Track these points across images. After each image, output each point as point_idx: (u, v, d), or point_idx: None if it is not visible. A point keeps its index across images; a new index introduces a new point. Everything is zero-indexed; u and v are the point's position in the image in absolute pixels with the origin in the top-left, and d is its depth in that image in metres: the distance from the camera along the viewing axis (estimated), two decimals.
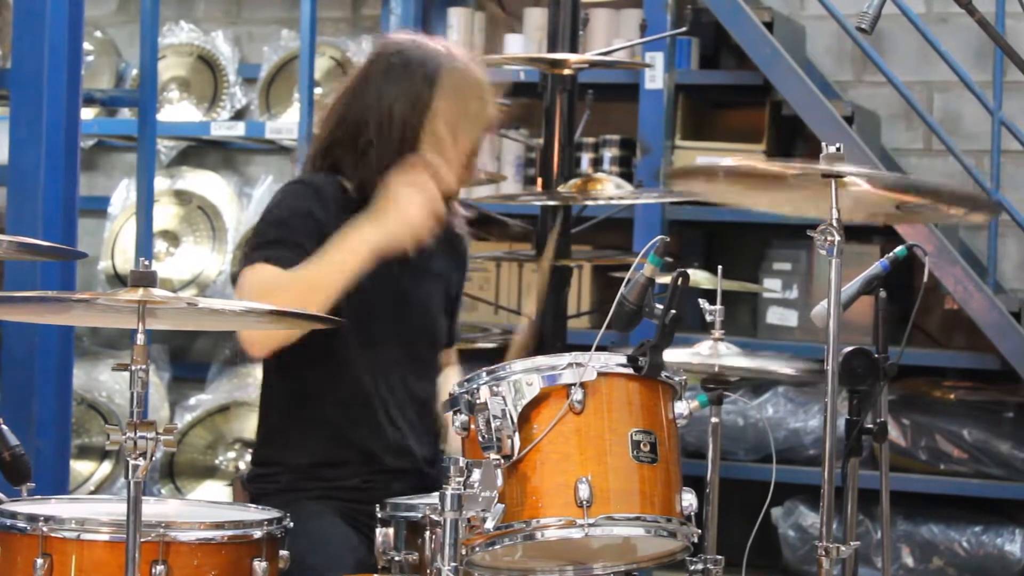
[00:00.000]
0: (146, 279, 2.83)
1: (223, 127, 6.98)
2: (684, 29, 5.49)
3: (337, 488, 3.54)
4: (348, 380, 3.55)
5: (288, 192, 3.62)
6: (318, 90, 6.70)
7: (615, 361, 3.01)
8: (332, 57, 7.04)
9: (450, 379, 3.70)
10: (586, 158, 6.51)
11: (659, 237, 3.10)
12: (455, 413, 3.02)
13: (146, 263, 2.85)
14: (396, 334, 3.59)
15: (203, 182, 7.22)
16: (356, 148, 3.57)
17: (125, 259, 7.06)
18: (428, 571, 3.09)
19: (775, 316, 6.21)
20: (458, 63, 3.60)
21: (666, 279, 3.13)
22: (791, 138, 6.47)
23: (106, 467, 6.86)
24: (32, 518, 2.96)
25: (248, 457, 6.60)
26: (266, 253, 3.45)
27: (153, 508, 3.19)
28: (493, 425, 2.95)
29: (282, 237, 3.47)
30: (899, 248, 3.55)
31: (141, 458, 2.78)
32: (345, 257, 3.39)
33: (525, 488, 2.94)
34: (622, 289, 3.09)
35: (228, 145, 7.32)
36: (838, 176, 3.11)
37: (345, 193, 3.57)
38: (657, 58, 6.01)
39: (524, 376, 2.98)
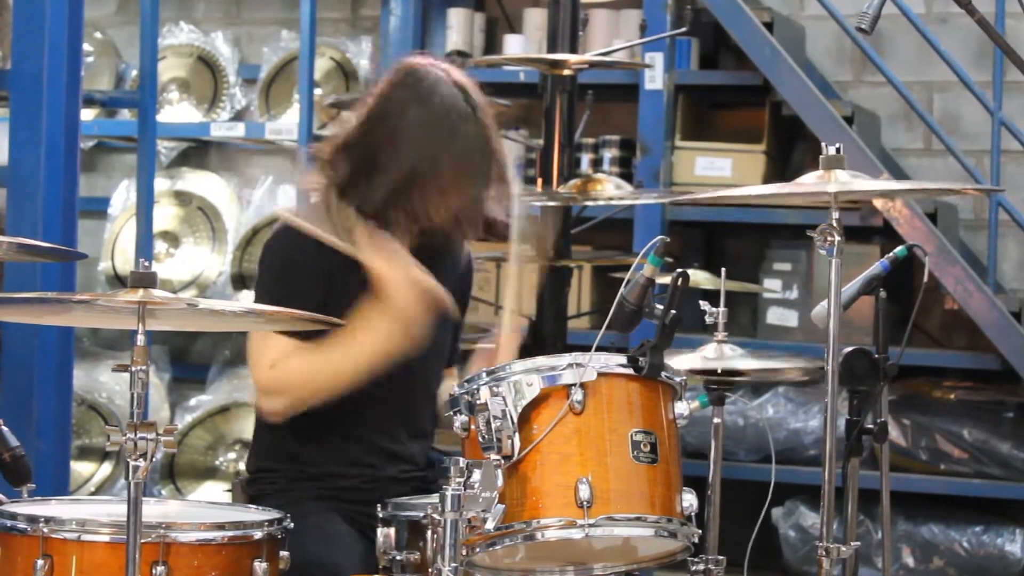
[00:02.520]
0: (146, 280, 2.82)
1: (223, 128, 6.98)
2: (684, 29, 5.49)
3: (336, 489, 3.54)
4: (342, 401, 3.55)
5: (282, 242, 3.55)
6: (318, 91, 6.70)
7: (615, 361, 3.02)
8: (332, 58, 7.04)
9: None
10: (586, 158, 6.51)
11: (659, 237, 3.10)
12: (455, 413, 3.02)
13: (146, 264, 2.85)
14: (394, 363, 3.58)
15: (203, 183, 7.22)
16: (365, 172, 3.54)
17: (125, 260, 7.06)
18: (429, 571, 3.09)
19: (775, 316, 6.21)
20: (476, 119, 3.55)
21: (666, 279, 3.14)
22: (791, 138, 6.47)
23: (106, 468, 6.85)
24: (32, 519, 2.96)
25: None
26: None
27: (153, 509, 3.18)
28: (493, 425, 2.96)
29: (285, 296, 3.41)
30: (899, 248, 3.55)
31: (141, 459, 2.78)
32: (355, 360, 3.43)
33: (525, 488, 2.95)
34: (622, 289, 3.09)
35: (228, 146, 7.32)
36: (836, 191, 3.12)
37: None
38: (657, 58, 6.01)
39: (524, 376, 2.98)
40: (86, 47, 6.41)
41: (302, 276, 3.48)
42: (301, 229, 3.51)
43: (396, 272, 3.42)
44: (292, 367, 3.43)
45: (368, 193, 3.51)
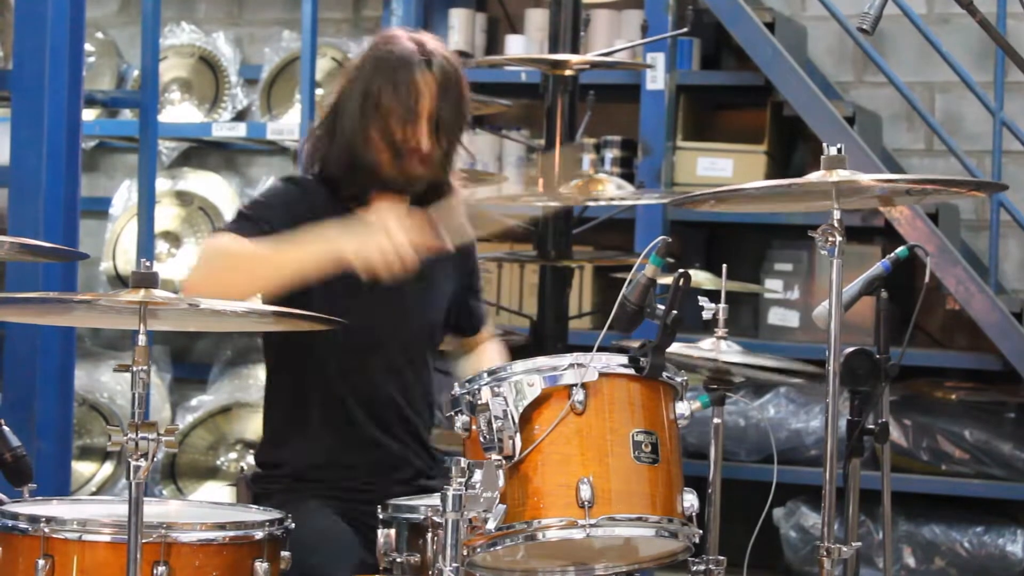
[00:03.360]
0: (147, 280, 2.83)
1: (224, 128, 6.98)
2: (685, 30, 5.49)
3: (337, 488, 3.54)
4: (331, 391, 3.55)
5: (275, 184, 3.67)
6: (319, 91, 6.70)
7: (616, 362, 3.02)
8: (333, 58, 7.05)
9: (487, 356, 3.72)
10: (587, 159, 6.51)
11: (660, 238, 3.10)
12: (456, 414, 3.03)
13: (147, 264, 2.86)
14: (375, 345, 3.57)
15: (204, 183, 7.22)
16: (329, 138, 3.60)
17: (126, 260, 7.06)
18: (430, 572, 3.09)
19: (776, 317, 6.21)
20: (395, 51, 3.55)
21: (667, 280, 3.14)
22: (792, 139, 6.47)
23: (108, 468, 6.86)
24: (34, 519, 2.96)
25: (250, 458, 6.61)
26: (232, 224, 3.50)
27: (154, 509, 3.19)
28: (495, 426, 2.96)
29: (253, 215, 3.50)
30: (900, 249, 3.55)
31: (143, 459, 2.78)
32: (300, 252, 3.36)
33: (527, 489, 2.95)
34: (624, 290, 3.09)
35: (229, 146, 7.33)
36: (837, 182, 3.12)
37: (333, 194, 3.58)
38: (658, 59, 6.01)
39: (525, 377, 2.98)
40: (87, 47, 6.42)
41: (282, 210, 3.50)
42: (305, 184, 3.58)
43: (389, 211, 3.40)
44: (224, 239, 3.44)
45: (332, 156, 3.55)
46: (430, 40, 3.60)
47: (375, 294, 3.50)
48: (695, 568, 3.42)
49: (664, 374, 3.05)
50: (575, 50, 5.13)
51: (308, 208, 3.52)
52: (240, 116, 7.19)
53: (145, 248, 5.80)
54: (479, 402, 2.98)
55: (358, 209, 3.51)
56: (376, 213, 3.38)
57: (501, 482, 2.92)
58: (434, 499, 2.99)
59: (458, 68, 3.58)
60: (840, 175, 3.14)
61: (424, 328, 3.66)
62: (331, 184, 3.59)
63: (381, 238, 3.31)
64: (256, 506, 3.32)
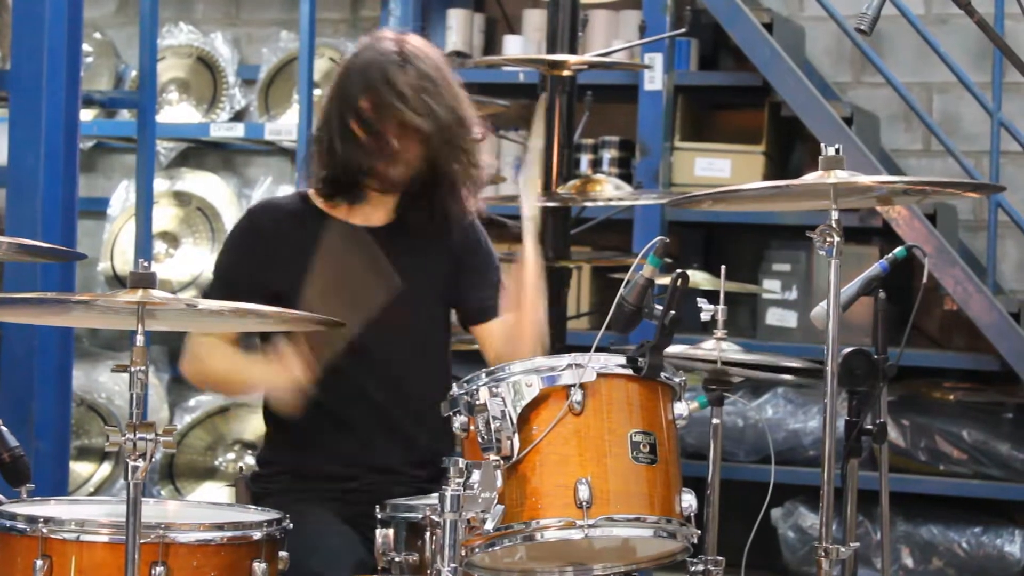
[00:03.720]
0: (145, 280, 2.83)
1: (222, 128, 6.98)
2: (683, 30, 5.49)
3: (336, 490, 3.54)
4: (327, 392, 3.55)
5: (233, 235, 3.71)
6: (317, 91, 6.70)
7: (615, 362, 3.02)
8: (331, 58, 7.04)
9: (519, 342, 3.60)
10: (585, 159, 6.51)
11: (658, 238, 3.11)
12: (455, 414, 3.02)
13: (145, 264, 2.86)
14: (368, 345, 3.56)
15: (202, 183, 7.22)
16: (327, 150, 3.61)
17: (124, 260, 7.06)
18: (428, 572, 3.09)
19: (774, 317, 6.21)
20: (370, 52, 3.58)
21: (666, 280, 3.14)
22: (790, 139, 6.47)
23: (105, 468, 6.85)
24: (32, 519, 2.96)
25: (248, 458, 6.61)
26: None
27: (152, 509, 3.19)
28: (492, 426, 2.96)
29: (220, 285, 3.60)
30: (898, 249, 3.55)
31: (140, 459, 2.78)
32: (247, 383, 3.64)
33: (525, 489, 2.95)
34: (622, 290, 3.10)
35: (227, 146, 7.32)
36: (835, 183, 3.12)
37: (308, 203, 3.62)
38: (656, 59, 6.01)
39: (523, 377, 2.98)
40: (85, 48, 6.41)
41: (244, 272, 3.58)
42: (258, 218, 3.64)
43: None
44: (207, 370, 3.73)
45: (331, 169, 3.56)
46: (413, 40, 3.60)
47: (363, 295, 3.51)
48: (693, 568, 3.43)
49: (662, 374, 3.05)
50: (573, 50, 5.13)
51: (265, 241, 3.59)
52: (238, 116, 7.19)
53: (143, 248, 5.80)
54: (477, 402, 2.99)
55: (343, 209, 3.58)
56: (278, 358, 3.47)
57: (499, 482, 2.92)
58: (432, 499, 2.99)
59: (441, 67, 3.57)
60: (838, 176, 3.14)
61: (417, 325, 3.63)
62: (328, 189, 3.60)
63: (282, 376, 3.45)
64: (254, 506, 3.32)
